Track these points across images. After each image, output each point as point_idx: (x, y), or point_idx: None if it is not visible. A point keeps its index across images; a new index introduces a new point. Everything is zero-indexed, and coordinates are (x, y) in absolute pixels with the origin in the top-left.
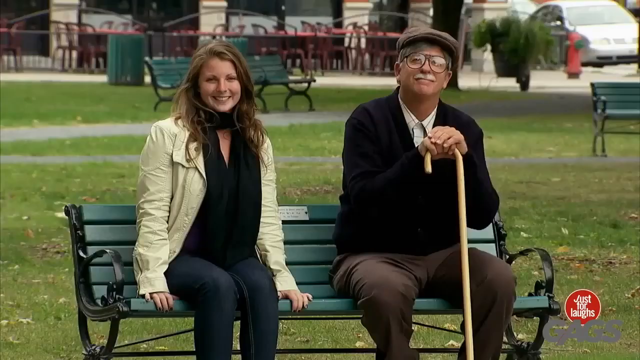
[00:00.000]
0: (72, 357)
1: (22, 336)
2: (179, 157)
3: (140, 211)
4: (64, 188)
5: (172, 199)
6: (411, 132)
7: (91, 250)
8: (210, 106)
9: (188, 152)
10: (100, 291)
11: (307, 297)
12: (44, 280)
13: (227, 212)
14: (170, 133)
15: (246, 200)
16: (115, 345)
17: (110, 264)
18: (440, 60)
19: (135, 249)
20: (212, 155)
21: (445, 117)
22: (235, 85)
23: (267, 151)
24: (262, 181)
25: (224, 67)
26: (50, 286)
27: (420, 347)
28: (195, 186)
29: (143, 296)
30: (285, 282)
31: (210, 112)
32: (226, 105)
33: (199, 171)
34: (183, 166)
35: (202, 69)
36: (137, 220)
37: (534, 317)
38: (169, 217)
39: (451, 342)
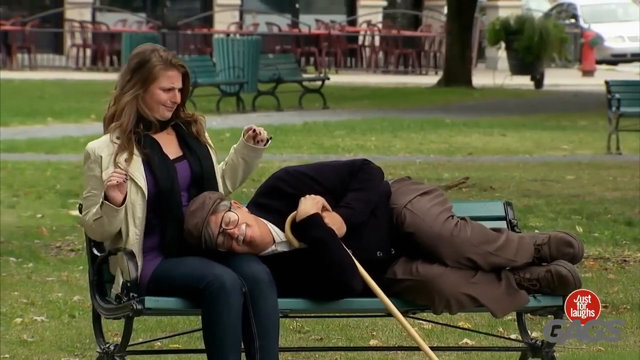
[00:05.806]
0: (86, 355)
1: (36, 334)
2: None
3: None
4: (78, 186)
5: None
6: None
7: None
8: (157, 113)
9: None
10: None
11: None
12: (58, 278)
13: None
14: (96, 156)
15: (210, 183)
16: (129, 343)
17: None
18: None
19: (88, 224)
20: (156, 158)
21: None
22: (180, 96)
23: (207, 136)
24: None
25: (179, 79)
26: (65, 284)
27: (434, 345)
28: (133, 196)
29: (106, 199)
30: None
31: (151, 121)
32: (171, 113)
33: (134, 181)
34: None
35: (160, 78)
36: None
37: (549, 316)
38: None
39: (465, 340)
